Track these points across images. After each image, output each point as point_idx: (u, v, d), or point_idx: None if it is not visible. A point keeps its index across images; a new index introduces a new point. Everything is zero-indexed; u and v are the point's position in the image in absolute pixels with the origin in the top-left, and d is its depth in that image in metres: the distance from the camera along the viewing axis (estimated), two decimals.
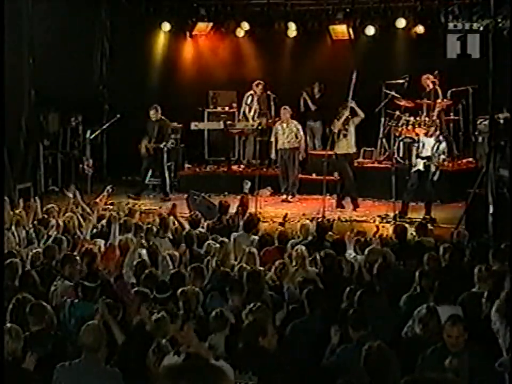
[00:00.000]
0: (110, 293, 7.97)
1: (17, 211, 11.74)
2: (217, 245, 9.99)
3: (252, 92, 17.33)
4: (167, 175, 16.47)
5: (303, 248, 9.54)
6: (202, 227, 11.80)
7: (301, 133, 16.09)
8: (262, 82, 17.30)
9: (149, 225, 11.26)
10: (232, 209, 12.75)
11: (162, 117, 16.42)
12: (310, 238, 10.61)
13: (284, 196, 16.06)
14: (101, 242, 10.55)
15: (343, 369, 6.48)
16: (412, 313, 7.45)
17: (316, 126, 17.47)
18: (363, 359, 5.91)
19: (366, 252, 9.43)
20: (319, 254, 9.26)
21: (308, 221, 11.93)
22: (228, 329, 6.96)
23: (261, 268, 9.09)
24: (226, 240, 10.24)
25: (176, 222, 11.91)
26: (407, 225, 12.24)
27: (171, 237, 11.11)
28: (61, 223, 11.16)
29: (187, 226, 11.59)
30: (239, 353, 6.32)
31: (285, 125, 15.99)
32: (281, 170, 16.19)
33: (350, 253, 9.88)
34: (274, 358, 6.33)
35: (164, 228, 11.09)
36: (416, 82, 16.44)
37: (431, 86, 16.22)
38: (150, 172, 16.69)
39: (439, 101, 16.15)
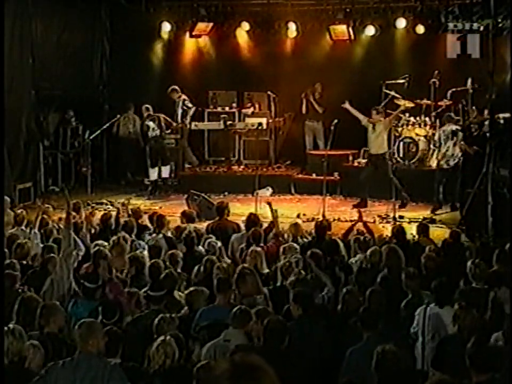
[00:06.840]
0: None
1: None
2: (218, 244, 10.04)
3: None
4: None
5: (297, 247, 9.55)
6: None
7: None
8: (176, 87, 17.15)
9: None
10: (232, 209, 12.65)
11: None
12: (303, 238, 10.60)
13: None
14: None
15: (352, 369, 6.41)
16: (410, 313, 7.48)
17: (317, 126, 17.39)
18: (375, 362, 5.77)
19: (368, 252, 9.32)
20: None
21: (299, 220, 11.92)
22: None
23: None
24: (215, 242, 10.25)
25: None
26: (407, 225, 12.22)
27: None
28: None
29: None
30: (260, 351, 6.15)
31: None
32: None
33: (359, 257, 9.71)
34: (285, 358, 6.32)
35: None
36: (416, 82, 16.44)
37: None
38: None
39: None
